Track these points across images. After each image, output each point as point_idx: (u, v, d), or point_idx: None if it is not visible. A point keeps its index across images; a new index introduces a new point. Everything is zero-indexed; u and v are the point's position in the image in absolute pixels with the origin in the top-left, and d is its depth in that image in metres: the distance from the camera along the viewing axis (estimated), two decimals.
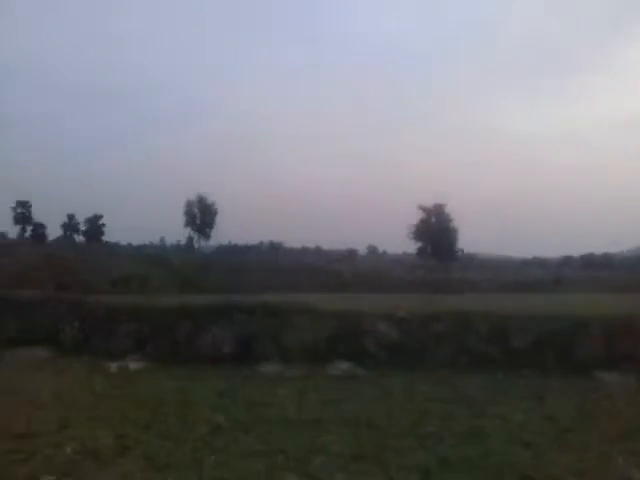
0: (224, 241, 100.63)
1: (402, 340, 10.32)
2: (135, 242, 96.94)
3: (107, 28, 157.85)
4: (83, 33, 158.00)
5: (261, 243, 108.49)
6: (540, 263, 68.76)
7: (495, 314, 10.80)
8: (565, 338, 10.18)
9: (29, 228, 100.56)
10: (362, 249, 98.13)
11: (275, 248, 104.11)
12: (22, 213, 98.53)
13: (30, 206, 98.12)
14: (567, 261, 70.09)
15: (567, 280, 32.63)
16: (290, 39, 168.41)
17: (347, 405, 7.44)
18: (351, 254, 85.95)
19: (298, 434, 6.20)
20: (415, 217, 62.69)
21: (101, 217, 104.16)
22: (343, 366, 9.68)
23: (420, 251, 63.82)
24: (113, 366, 9.75)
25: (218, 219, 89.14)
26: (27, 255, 38.16)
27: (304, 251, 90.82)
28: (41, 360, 10.09)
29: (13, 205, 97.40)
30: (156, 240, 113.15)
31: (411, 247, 65.60)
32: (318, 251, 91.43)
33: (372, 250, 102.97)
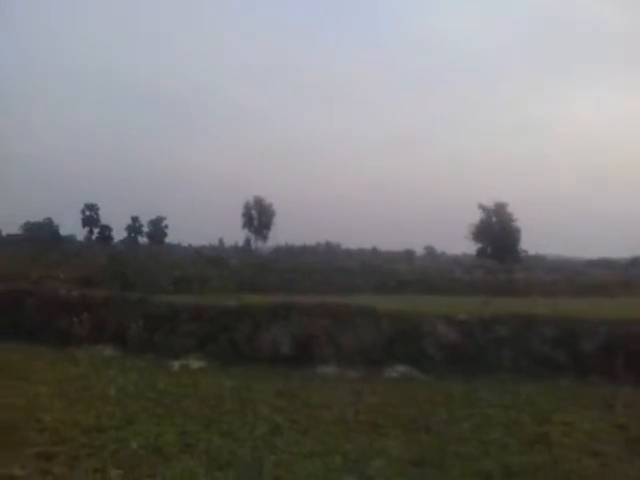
0: (281, 242, 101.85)
1: (462, 343, 10.12)
2: (195, 243, 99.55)
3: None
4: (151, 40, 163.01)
5: (318, 244, 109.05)
6: (607, 264, 65.65)
7: (561, 317, 10.43)
8: (636, 343, 9.70)
9: (96, 230, 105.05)
10: (419, 250, 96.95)
11: (332, 249, 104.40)
12: (90, 216, 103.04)
13: (98, 209, 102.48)
14: (636, 262, 66.62)
15: (637, 282, 31.04)
16: (356, 39, 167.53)
17: (405, 409, 7.37)
18: (408, 255, 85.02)
19: (356, 437, 6.19)
20: (475, 217, 61.31)
21: (164, 219, 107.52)
22: (401, 369, 9.60)
23: (480, 252, 62.32)
24: (175, 364, 10.05)
25: (275, 220, 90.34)
26: (94, 256, 39.94)
27: (361, 252, 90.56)
28: (109, 358, 10.53)
29: (82, 208, 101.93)
30: (215, 241, 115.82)
31: (471, 248, 64.13)
32: (375, 252, 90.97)
33: (430, 251, 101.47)
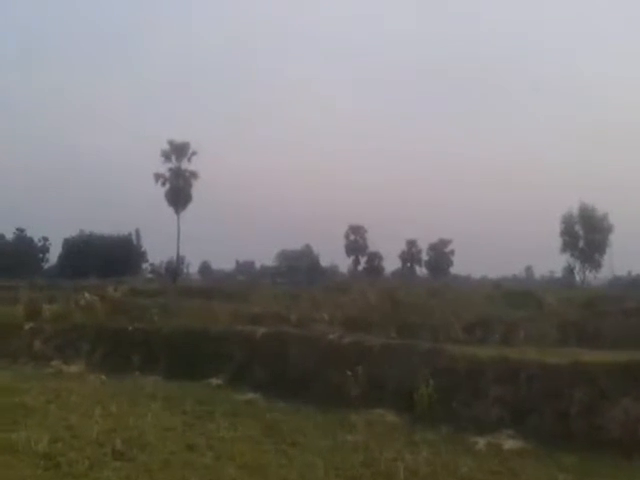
0: (622, 272, 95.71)
1: None
2: (492, 275, 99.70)
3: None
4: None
5: None
6: None
7: None
8: None
9: (363, 259, 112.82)
10: None
11: None
12: (355, 241, 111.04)
13: (365, 232, 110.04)
14: None
15: None
16: None
17: None
18: None
19: None
20: None
21: (449, 242, 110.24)
22: None
23: None
24: (480, 442, 10.04)
25: (612, 239, 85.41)
26: (363, 292, 42.75)
27: None
28: (391, 426, 11.03)
29: (345, 231, 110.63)
30: (520, 272, 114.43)
31: None
32: None
33: None
